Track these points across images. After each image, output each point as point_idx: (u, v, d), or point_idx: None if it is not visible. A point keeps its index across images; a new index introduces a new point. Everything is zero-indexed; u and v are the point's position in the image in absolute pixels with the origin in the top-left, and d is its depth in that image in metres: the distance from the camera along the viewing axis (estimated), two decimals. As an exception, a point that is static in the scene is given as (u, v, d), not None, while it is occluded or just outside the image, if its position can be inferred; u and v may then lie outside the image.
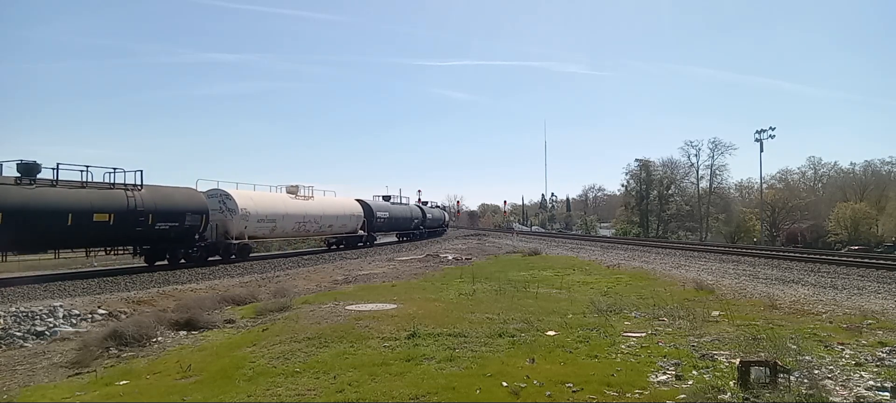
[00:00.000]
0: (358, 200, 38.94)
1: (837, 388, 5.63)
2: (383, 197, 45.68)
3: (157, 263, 22.97)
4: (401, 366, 6.63)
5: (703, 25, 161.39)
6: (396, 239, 48.33)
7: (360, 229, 37.44)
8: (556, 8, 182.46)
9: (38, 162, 17.76)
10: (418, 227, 50.96)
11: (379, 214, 40.92)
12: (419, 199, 63.18)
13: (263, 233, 28.37)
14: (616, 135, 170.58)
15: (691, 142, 70.56)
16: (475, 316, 10.02)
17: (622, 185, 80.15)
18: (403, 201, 48.76)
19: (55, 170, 18.20)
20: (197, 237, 23.39)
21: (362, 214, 37.69)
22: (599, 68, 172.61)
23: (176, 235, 22.19)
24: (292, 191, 31.58)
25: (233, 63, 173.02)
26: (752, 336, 8.02)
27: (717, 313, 10.37)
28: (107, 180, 20.13)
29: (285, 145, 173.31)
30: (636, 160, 76.15)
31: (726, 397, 5.31)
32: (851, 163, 75.12)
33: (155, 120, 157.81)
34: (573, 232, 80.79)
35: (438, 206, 66.29)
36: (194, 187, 24.87)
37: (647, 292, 13.60)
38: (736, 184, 77.66)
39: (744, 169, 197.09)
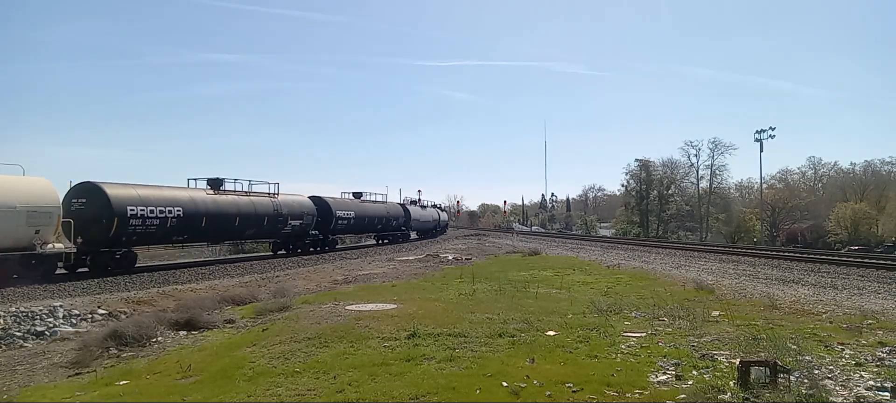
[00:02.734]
0: (92, 183, 20.51)
1: (837, 388, 5.62)
2: (211, 180, 26.10)
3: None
4: (401, 366, 6.63)
5: (703, 26, 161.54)
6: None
7: (51, 241, 18.19)
8: (555, 8, 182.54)
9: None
10: (303, 231, 30.76)
11: (139, 211, 20.75)
12: (419, 199, 62.35)
13: None
14: (616, 135, 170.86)
15: (691, 142, 70.64)
16: (475, 316, 10.01)
17: (622, 185, 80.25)
18: (247, 187, 27.58)
19: None
20: None
21: (58, 209, 18.52)
22: (599, 69, 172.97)
23: None
24: None
25: (233, 63, 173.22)
26: (752, 336, 8.01)
27: (717, 313, 10.37)
28: None
29: (285, 145, 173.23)
30: (636, 160, 76.24)
31: (726, 397, 5.31)
32: (851, 163, 75.30)
33: (156, 120, 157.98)
34: (573, 233, 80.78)
35: (405, 204, 51.14)
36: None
37: (647, 292, 13.59)
38: (736, 184, 77.78)
39: (744, 169, 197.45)
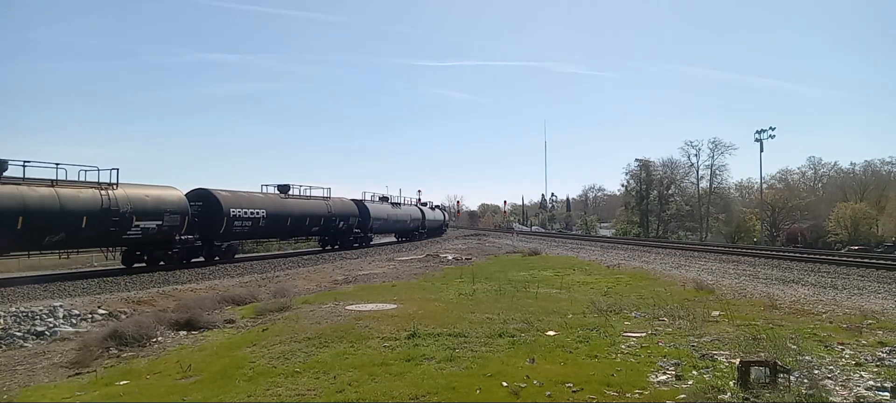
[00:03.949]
0: None
1: (837, 388, 5.62)
2: None
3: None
4: (401, 366, 6.63)
5: (703, 26, 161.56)
6: None
7: None
8: (556, 8, 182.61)
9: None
10: (166, 235, 22.40)
11: None
12: (419, 199, 61.68)
13: None
14: (616, 135, 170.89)
15: (691, 142, 70.67)
16: (475, 316, 10.02)
17: (622, 185, 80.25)
18: (79, 176, 20.27)
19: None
20: None
21: None
22: (599, 68, 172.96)
23: None
24: None
25: (233, 63, 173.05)
26: (752, 336, 8.01)
27: (717, 313, 10.37)
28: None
29: (285, 145, 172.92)
30: (636, 160, 76.22)
31: (726, 397, 5.31)
32: (851, 163, 75.24)
33: (155, 120, 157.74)
34: (573, 233, 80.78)
35: (363, 200, 40.63)
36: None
37: (647, 292, 13.59)
38: (736, 184, 77.78)
39: (744, 169, 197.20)
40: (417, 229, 51.08)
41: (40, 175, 18.95)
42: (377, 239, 45.71)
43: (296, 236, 34.71)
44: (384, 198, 45.38)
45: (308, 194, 33.75)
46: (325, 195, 35.27)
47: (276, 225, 29.47)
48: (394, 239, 49.35)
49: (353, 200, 39.32)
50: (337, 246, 36.81)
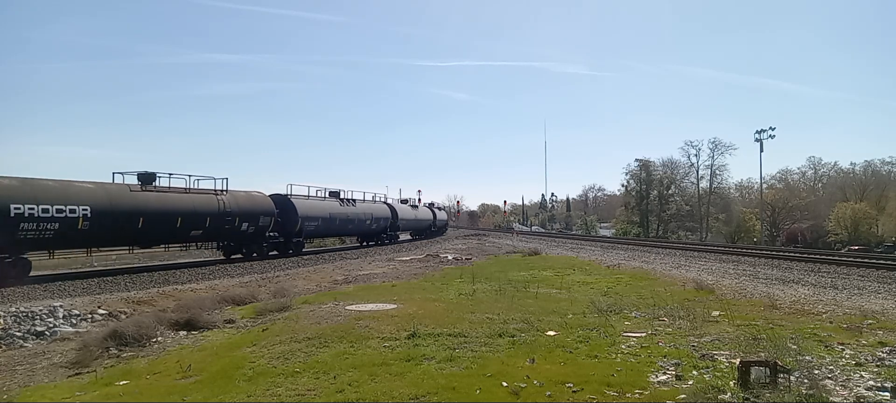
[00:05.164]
0: None
1: (837, 388, 5.62)
2: None
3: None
4: (401, 366, 6.63)
5: (703, 26, 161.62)
6: None
7: None
8: (556, 8, 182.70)
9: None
10: None
11: None
12: (419, 199, 61.31)
13: None
14: (616, 136, 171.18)
15: (691, 142, 70.85)
16: (475, 316, 10.01)
17: (622, 185, 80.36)
18: None
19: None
20: None
21: None
22: (599, 69, 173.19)
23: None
24: None
25: (233, 63, 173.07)
26: (752, 336, 8.01)
27: (717, 313, 10.36)
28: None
29: (285, 146, 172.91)
30: (636, 160, 76.36)
31: (726, 397, 5.31)
32: (851, 163, 75.42)
33: (155, 120, 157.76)
34: (573, 233, 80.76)
35: (289, 196, 31.39)
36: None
37: (647, 292, 13.59)
38: (736, 184, 77.98)
39: (744, 169, 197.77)
40: (385, 231, 42.71)
41: None
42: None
43: (161, 243, 25.26)
44: (334, 194, 37.37)
45: (187, 186, 24.68)
46: (220, 188, 26.14)
47: (117, 227, 20.61)
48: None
49: (272, 195, 30.38)
50: (247, 255, 28.02)
